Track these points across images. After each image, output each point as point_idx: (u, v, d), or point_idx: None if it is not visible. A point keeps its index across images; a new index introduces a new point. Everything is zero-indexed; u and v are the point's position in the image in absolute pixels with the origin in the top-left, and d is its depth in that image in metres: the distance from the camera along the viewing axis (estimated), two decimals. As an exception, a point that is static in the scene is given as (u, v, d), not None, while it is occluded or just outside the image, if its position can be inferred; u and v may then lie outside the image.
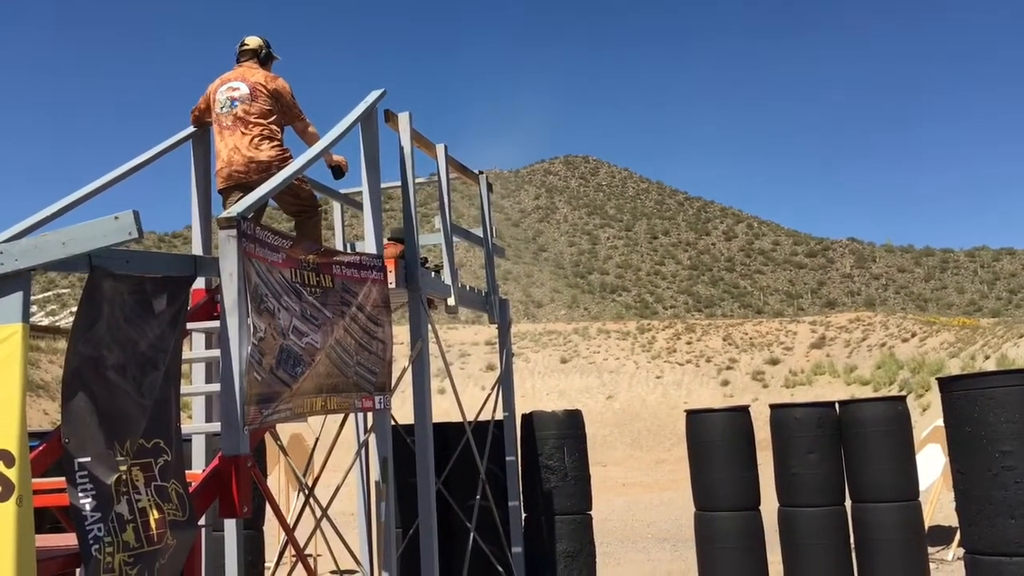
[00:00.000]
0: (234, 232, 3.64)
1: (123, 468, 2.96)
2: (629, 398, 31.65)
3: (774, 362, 33.19)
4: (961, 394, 4.48)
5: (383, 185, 6.07)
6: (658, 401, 31.03)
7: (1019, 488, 4.23)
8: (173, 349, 3.35)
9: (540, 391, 32.25)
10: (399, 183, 5.81)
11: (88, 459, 2.84)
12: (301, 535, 6.66)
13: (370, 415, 5.54)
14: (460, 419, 6.53)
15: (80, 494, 2.80)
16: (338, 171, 5.59)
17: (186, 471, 3.40)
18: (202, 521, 4.42)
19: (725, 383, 32.12)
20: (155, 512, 3.09)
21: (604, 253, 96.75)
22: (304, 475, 7.05)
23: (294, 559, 9.78)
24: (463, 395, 7.31)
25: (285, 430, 8.36)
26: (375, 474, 5.13)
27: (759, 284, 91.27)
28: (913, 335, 31.54)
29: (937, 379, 4.82)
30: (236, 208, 3.78)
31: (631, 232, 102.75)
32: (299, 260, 4.27)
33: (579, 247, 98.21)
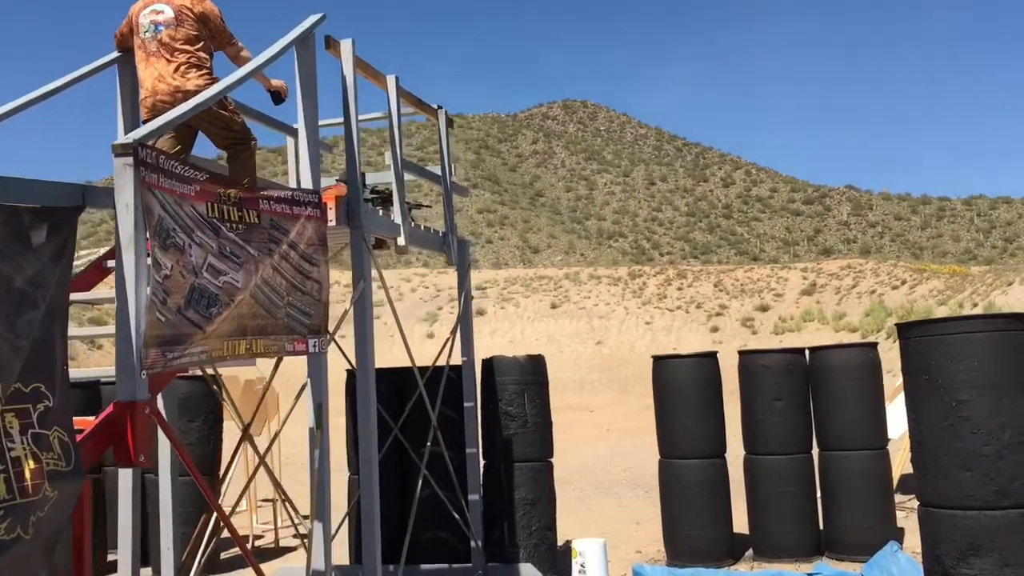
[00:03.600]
0: (130, 160, 3.35)
1: (-9, 414, 2.73)
2: (618, 344, 31.57)
3: (764, 308, 33.07)
4: (919, 340, 4.24)
5: (326, 121, 5.76)
6: (647, 347, 30.90)
7: (975, 439, 4.02)
8: (56, 286, 3.09)
9: (529, 336, 32.16)
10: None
11: None
12: (261, 481, 6.48)
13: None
14: (417, 365, 6.29)
15: (-65, 442, 2.58)
16: (277, 96, 5.27)
17: (74, 417, 3.17)
18: (151, 466, 4.23)
19: (715, 329, 32.02)
20: (31, 462, 2.87)
21: (601, 199, 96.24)
22: (256, 420, 6.86)
23: (259, 505, 9.67)
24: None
25: (239, 376, 8.13)
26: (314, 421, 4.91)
27: (756, 231, 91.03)
28: (903, 283, 31.37)
29: (896, 325, 4.58)
30: (135, 134, 3.49)
31: (629, 178, 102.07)
32: (217, 194, 3.99)
33: (576, 192, 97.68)
